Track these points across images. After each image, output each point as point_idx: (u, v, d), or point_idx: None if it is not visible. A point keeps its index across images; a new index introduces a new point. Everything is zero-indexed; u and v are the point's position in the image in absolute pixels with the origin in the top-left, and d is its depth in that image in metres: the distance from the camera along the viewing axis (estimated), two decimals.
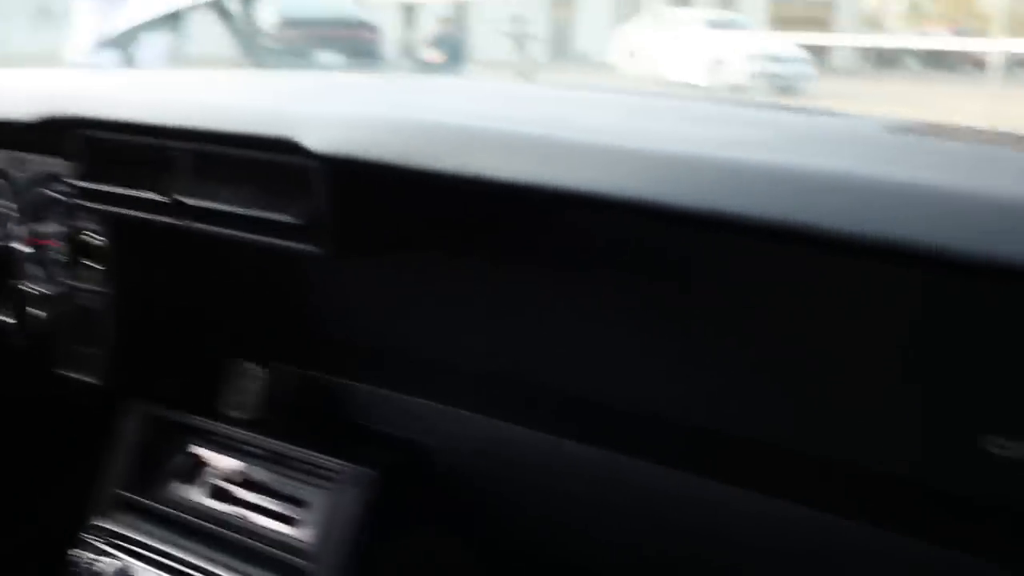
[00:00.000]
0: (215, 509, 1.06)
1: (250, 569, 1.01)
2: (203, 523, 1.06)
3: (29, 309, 1.14)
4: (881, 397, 0.79)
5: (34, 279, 1.15)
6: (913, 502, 0.79)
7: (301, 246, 0.88)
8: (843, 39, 19.66)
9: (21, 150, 1.16)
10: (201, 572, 1.02)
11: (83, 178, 1.03)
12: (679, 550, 0.92)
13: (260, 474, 1.06)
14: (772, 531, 0.85)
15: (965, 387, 0.76)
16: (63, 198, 1.12)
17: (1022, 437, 0.74)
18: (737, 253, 0.80)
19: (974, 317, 0.73)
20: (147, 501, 1.09)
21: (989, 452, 0.76)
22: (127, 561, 1.06)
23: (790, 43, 14.35)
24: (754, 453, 0.86)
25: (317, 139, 0.85)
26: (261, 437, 1.08)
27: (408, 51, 15.45)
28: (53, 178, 1.13)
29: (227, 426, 1.10)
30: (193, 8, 4.78)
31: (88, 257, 1.10)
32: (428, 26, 14.54)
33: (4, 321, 1.18)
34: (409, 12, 18.16)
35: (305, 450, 1.04)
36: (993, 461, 0.76)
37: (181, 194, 0.95)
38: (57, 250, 1.13)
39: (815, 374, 0.82)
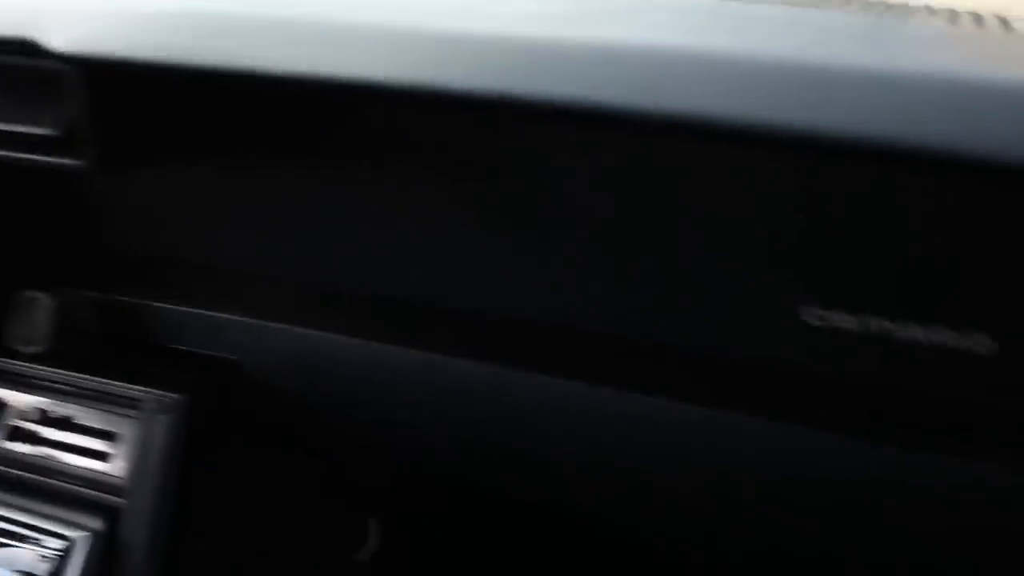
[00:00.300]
0: (14, 451, 0.98)
1: (59, 512, 0.94)
2: (2, 468, 0.97)
3: None
4: (710, 277, 0.77)
5: None
6: (739, 376, 0.78)
7: (60, 161, 0.78)
8: None
9: None
10: (3, 520, 0.94)
11: None
12: (513, 444, 0.89)
13: (61, 410, 0.98)
14: (613, 422, 0.82)
15: (787, 263, 0.74)
16: None
17: (837, 308, 0.73)
18: (551, 141, 0.75)
19: (792, 191, 0.71)
20: None
21: (807, 323, 0.75)
22: None
23: None
24: (588, 344, 0.83)
25: (64, 38, 0.74)
26: (58, 371, 0.99)
27: None
28: None
29: (17, 363, 1.00)
30: None
31: None
32: None
33: None
34: None
35: (107, 380, 0.96)
36: (811, 331, 0.75)
37: None
38: None
39: (640, 259, 0.79)
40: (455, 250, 0.87)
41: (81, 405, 0.97)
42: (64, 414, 0.97)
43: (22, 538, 0.93)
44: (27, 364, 1.00)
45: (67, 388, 0.98)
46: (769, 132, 0.54)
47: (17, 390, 1.00)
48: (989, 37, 0.72)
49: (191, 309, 0.97)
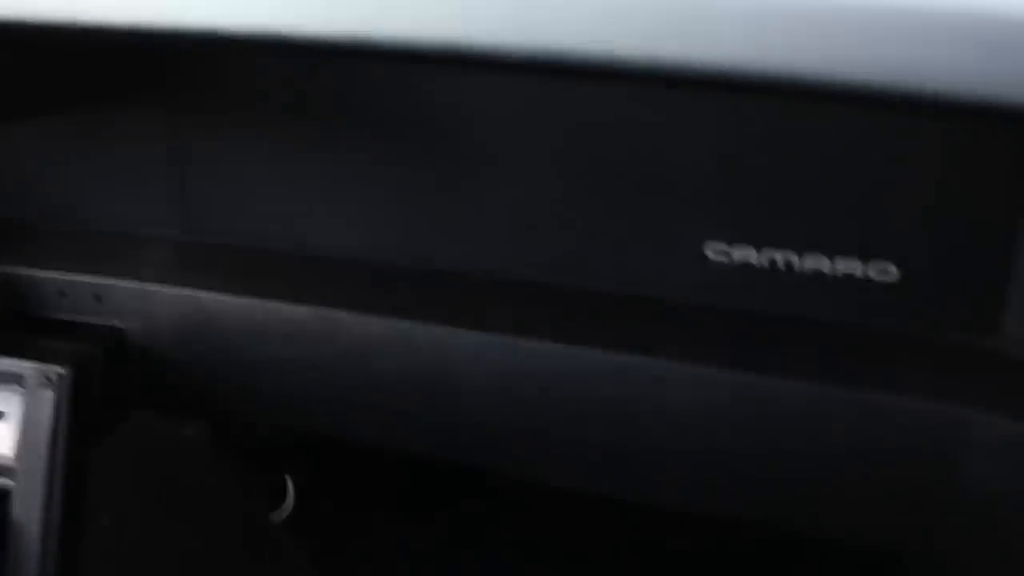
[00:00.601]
0: None
1: None
2: None
3: None
4: (614, 218, 0.75)
5: None
6: (646, 318, 0.76)
7: None
8: None
9: None
10: None
11: None
12: (417, 399, 0.86)
13: None
14: (521, 371, 0.80)
15: (690, 200, 0.72)
16: None
17: (742, 243, 0.71)
18: (450, 86, 0.71)
19: (697, 126, 0.69)
20: None
21: (712, 259, 0.73)
22: None
23: None
24: (494, 293, 0.80)
25: None
26: None
27: None
28: None
29: None
30: None
31: None
32: None
33: None
34: None
35: None
36: (717, 267, 0.73)
37: None
38: None
39: (546, 203, 0.76)
40: (345, 200, 0.83)
41: None
42: None
43: None
44: None
45: None
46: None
47: None
48: None
49: (69, 276, 0.91)
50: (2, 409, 0.90)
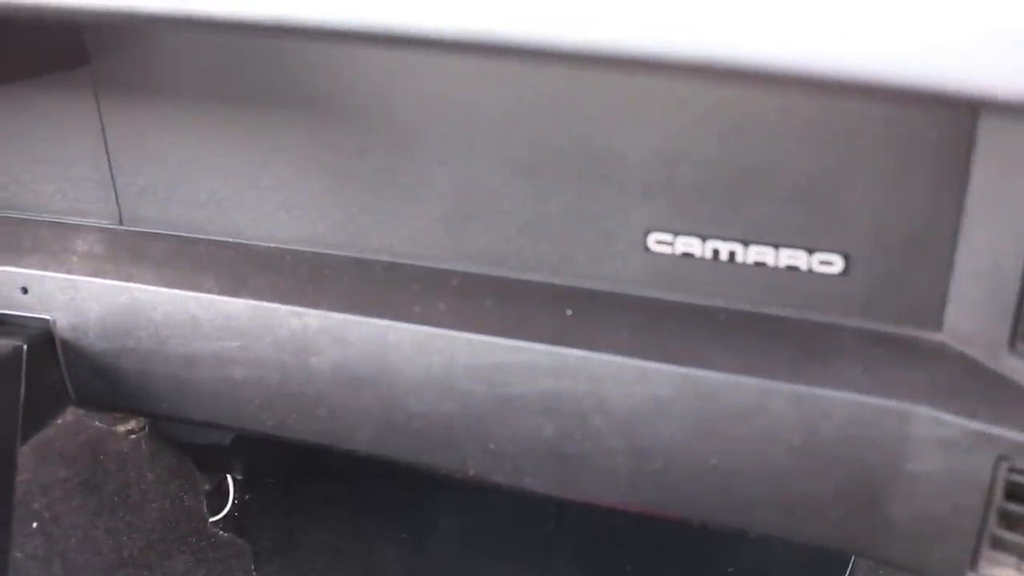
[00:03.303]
0: None
1: None
2: None
3: None
4: (560, 208, 0.73)
5: None
6: (583, 309, 0.74)
7: None
8: None
9: None
10: None
11: None
12: (335, 386, 0.83)
13: None
14: (453, 365, 0.78)
15: (636, 190, 0.70)
16: None
17: (684, 233, 0.70)
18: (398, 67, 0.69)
19: (649, 115, 0.67)
20: None
21: (655, 250, 0.71)
22: None
23: None
24: (430, 282, 0.78)
25: None
26: None
27: None
28: None
29: None
30: None
31: None
32: None
33: None
34: None
35: None
36: (656, 259, 0.72)
37: None
38: None
39: (492, 193, 0.74)
40: (279, 189, 0.81)
41: None
42: None
43: None
44: None
45: None
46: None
47: None
48: None
49: None
50: None
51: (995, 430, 0.62)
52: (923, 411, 0.64)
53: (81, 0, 0.55)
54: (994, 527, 0.64)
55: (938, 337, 0.67)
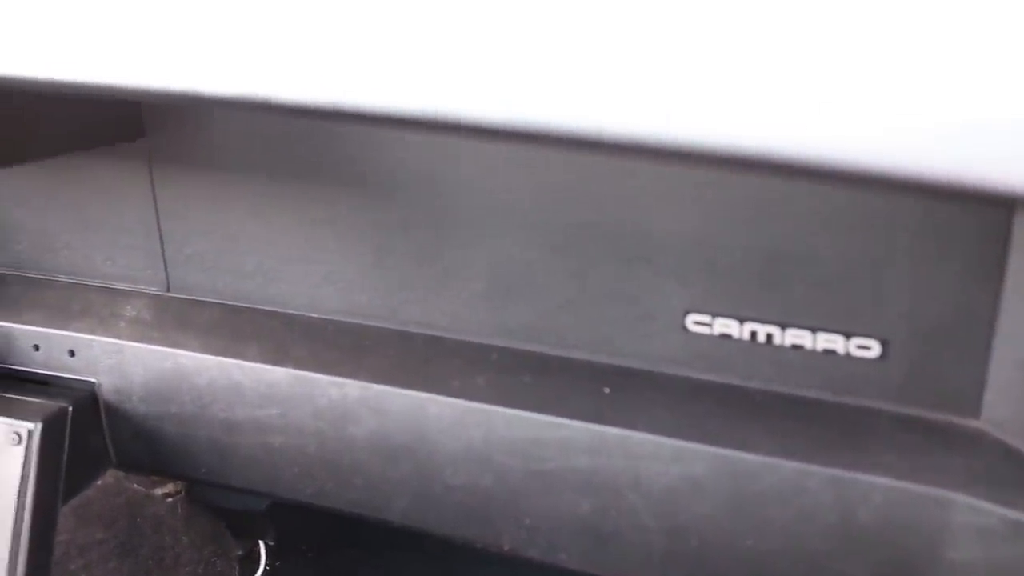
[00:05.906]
0: None
1: None
2: None
3: None
4: (600, 288, 0.74)
5: None
6: (620, 388, 0.75)
7: None
8: None
9: None
10: None
11: None
12: (373, 456, 0.84)
13: None
14: (498, 440, 0.78)
15: (675, 272, 0.71)
16: None
17: (722, 315, 0.71)
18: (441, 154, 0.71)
19: (689, 200, 0.69)
20: None
21: (694, 331, 0.72)
22: None
23: None
24: (474, 358, 0.79)
25: None
26: None
27: None
28: None
29: None
30: None
31: None
32: None
33: None
34: None
35: None
36: (694, 340, 0.72)
37: None
38: None
39: (534, 271, 0.76)
40: (323, 262, 0.83)
41: None
42: None
43: None
44: None
45: None
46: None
47: None
48: None
49: (44, 330, 0.90)
50: None
51: None
52: (961, 499, 0.64)
53: (146, 82, 0.58)
54: None
55: (976, 424, 0.67)
